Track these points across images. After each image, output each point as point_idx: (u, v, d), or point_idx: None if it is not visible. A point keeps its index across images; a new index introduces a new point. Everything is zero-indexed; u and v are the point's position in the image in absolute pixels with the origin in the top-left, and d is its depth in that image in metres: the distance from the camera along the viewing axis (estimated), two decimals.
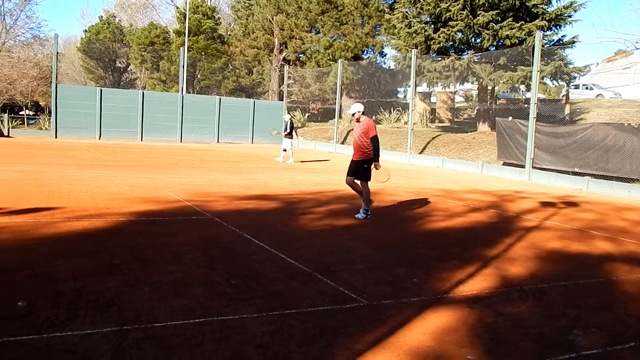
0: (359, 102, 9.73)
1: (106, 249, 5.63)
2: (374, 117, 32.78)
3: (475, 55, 22.54)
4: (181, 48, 32.08)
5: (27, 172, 11.54)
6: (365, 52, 37.07)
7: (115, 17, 51.37)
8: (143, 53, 42.42)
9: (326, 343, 3.53)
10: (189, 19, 36.69)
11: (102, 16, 50.29)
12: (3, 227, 6.32)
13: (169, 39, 43.48)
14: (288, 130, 18.25)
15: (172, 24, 50.61)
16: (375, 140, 8.26)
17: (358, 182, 8.43)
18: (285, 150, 18.43)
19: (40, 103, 45.21)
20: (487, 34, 21.77)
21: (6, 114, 30.94)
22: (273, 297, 4.42)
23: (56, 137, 25.72)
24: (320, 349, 3.43)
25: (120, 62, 48.22)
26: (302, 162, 18.96)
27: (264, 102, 34.53)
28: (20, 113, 42.70)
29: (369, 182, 8.42)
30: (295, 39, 36.82)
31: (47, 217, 6.99)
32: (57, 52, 27.61)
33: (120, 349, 3.27)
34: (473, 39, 23.36)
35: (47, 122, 32.42)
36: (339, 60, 29.22)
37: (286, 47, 37.86)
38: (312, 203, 9.65)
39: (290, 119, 18.74)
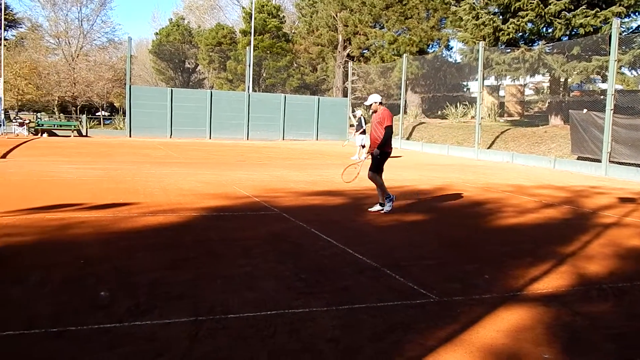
0: (376, 93, 9.51)
1: (180, 243, 5.83)
2: (439, 112, 32.27)
3: (547, 46, 21.72)
4: (247, 47, 32.69)
5: (105, 170, 12.11)
6: (431, 46, 36.48)
7: (184, 19, 53.00)
8: (211, 53, 43.53)
9: (397, 338, 3.51)
10: (255, 18, 37.31)
11: (171, 19, 52.03)
12: (84, 221, 6.66)
13: (235, 38, 44.42)
14: (363, 127, 18.22)
15: (238, 24, 51.65)
16: (388, 130, 7.92)
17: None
18: (364, 146, 18.41)
19: (115, 104, 47.28)
20: (560, 23, 20.91)
21: (84, 115, 32.55)
22: (342, 291, 4.44)
23: (130, 136, 26.84)
24: (391, 344, 3.42)
25: (189, 63, 49.70)
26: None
27: (328, 99, 34.68)
28: (97, 114, 44.82)
29: (377, 172, 8.17)
30: (359, 34, 36.73)
31: (124, 212, 7.31)
32: (131, 55, 28.76)
33: (196, 338, 3.38)
34: (544, 29, 22.50)
35: (122, 122, 33.84)
36: (404, 55, 28.91)
37: (350, 43, 37.84)
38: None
39: (361, 115, 18.68)
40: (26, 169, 11.76)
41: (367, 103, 8.33)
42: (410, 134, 28.64)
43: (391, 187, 10.99)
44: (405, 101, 28.56)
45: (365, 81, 35.52)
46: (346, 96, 33.86)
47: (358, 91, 34.85)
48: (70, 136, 27.40)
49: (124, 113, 31.89)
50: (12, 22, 42.09)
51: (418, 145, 25.77)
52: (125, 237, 6.02)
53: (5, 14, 32.54)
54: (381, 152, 8.04)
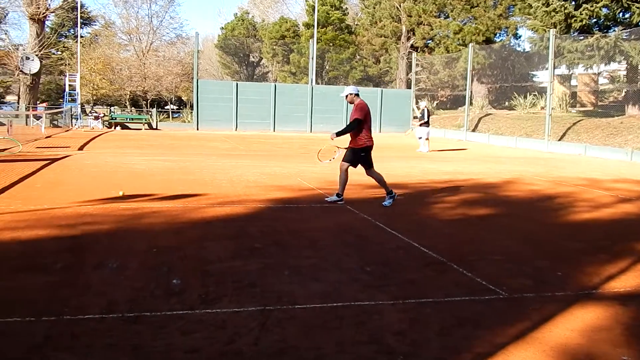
0: (351, 84, 9.15)
1: (247, 233, 5.96)
2: (507, 103, 31.30)
3: (624, 32, 20.62)
4: (310, 40, 32.83)
5: (174, 162, 12.52)
6: (498, 35, 35.45)
7: (248, 13, 53.77)
8: (274, 47, 44.00)
9: (465, 334, 3.45)
10: (318, 10, 37.38)
11: (236, 13, 52.88)
12: (156, 211, 6.91)
13: (298, 31, 44.69)
14: (425, 119, 17.99)
15: (301, 16, 51.95)
16: (353, 121, 7.63)
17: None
18: (426, 139, 18.19)
19: (182, 98, 48.70)
20: (638, 7, 19.79)
21: (154, 109, 33.70)
22: (408, 285, 4.41)
23: (197, 129, 27.58)
24: (459, 340, 3.37)
25: (253, 57, 50.43)
26: (435, 150, 18.59)
27: (392, 90, 34.39)
28: (166, 107, 46.32)
29: (372, 167, 7.98)
30: (423, 25, 36.13)
31: (193, 203, 7.53)
32: (198, 50, 29.49)
33: (265, 327, 3.45)
34: (621, 14, 21.38)
35: (189, 115, 34.83)
36: (470, 44, 28.22)
37: (414, 34, 37.29)
38: (444, 192, 9.45)
39: (425, 106, 18.41)
40: (101, 161, 12.32)
41: (342, 94, 8.11)
42: (476, 125, 27.96)
43: (457, 180, 10.78)
44: (471, 92, 27.89)
45: (429, 72, 34.95)
46: (410, 88, 33.43)
47: (422, 82, 34.34)
48: (141, 129, 28.46)
49: (192, 106, 32.78)
50: (87, 20, 44.03)
51: (484, 137, 25.14)
52: (195, 227, 6.21)
53: (80, 12, 34.07)
54: (363, 149, 7.76)
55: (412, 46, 37.59)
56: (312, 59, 30.78)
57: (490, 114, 29.72)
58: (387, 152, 17.79)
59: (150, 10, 46.32)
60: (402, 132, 29.64)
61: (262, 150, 17.38)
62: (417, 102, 27.93)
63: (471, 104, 28.79)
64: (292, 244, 5.57)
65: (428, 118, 18.11)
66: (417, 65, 32.73)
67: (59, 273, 4.36)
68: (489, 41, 33.62)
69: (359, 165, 7.91)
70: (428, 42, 37.43)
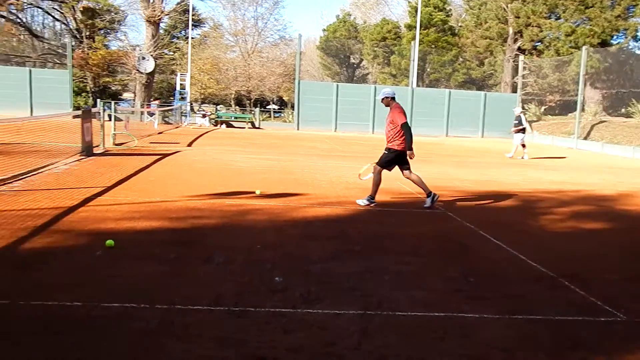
0: (387, 87, 8.69)
1: (347, 235, 5.97)
2: (623, 110, 29.23)
3: None
4: (412, 42, 32.44)
5: (276, 161, 12.83)
6: (615, 37, 33.16)
7: (350, 15, 54.04)
8: (375, 48, 43.91)
9: (580, 357, 3.24)
10: (420, 12, 36.86)
11: (338, 15, 53.34)
12: (259, 209, 7.11)
13: (399, 33, 44.30)
14: (523, 125, 17.25)
15: (403, 18, 51.45)
16: (405, 128, 7.48)
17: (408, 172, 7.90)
18: (522, 145, 17.45)
19: (284, 98, 49.85)
20: None
21: (257, 108, 34.77)
22: (515, 299, 4.21)
23: (298, 129, 28.12)
24: None
25: (354, 58, 50.64)
26: (534, 158, 17.73)
27: (496, 94, 33.21)
28: (268, 107, 47.63)
29: (384, 169, 7.78)
30: (532, 26, 34.54)
31: (294, 202, 7.67)
32: (300, 51, 30.06)
33: (366, 332, 3.43)
34: None
35: (290, 115, 35.57)
36: (583, 47, 26.65)
37: (521, 35, 35.75)
38: (552, 202, 8.97)
39: (520, 112, 17.63)
40: (208, 157, 12.87)
41: (378, 97, 7.97)
42: (589, 133, 26.34)
43: (566, 191, 10.20)
44: (583, 97, 26.31)
45: (537, 76, 33.38)
46: (515, 92, 32.12)
47: (529, 86, 32.88)
48: (244, 128, 29.46)
49: (293, 107, 33.47)
50: (197, 22, 46.22)
51: (597, 145, 23.62)
52: (296, 225, 6.32)
53: (192, 15, 35.84)
54: (390, 149, 7.67)
55: (519, 48, 36.06)
56: (414, 60, 30.41)
57: (604, 121, 27.88)
58: (488, 158, 17.19)
59: (256, 12, 47.78)
60: (506, 138, 28.52)
61: (361, 152, 17.40)
62: (523, 107, 26.81)
63: (583, 110, 27.17)
64: (392, 249, 5.51)
65: (525, 124, 17.33)
66: (524, 68, 31.39)
67: (170, 263, 4.59)
68: (604, 44, 31.53)
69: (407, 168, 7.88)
70: (537, 44, 35.74)
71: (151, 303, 3.67)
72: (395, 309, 3.83)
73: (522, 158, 17.22)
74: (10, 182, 7.97)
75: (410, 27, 40.42)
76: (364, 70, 52.63)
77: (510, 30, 36.20)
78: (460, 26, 44.17)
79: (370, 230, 6.30)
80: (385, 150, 7.71)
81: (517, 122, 17.38)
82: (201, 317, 3.51)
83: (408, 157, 7.68)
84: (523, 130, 17.32)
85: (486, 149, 21.44)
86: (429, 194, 7.82)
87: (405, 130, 7.50)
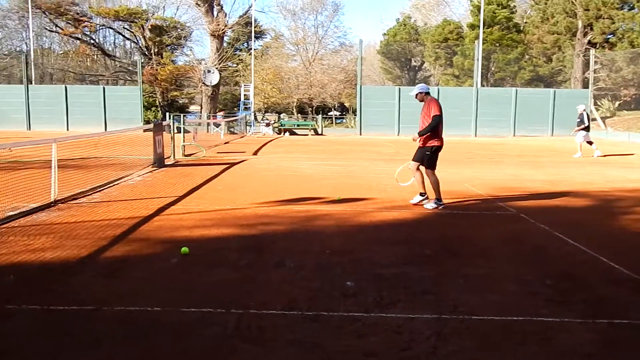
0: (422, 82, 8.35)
1: (416, 239, 5.90)
2: None
3: None
4: (475, 41, 31.79)
5: (341, 166, 12.87)
6: None
7: (410, 18, 53.60)
8: (437, 50, 43.31)
9: None
10: (483, 10, 36.08)
11: (398, 18, 53.02)
12: (327, 214, 7.14)
13: (462, 33, 43.52)
14: (585, 124, 16.47)
15: (465, 18, 50.49)
16: (435, 119, 7.35)
17: (423, 170, 7.75)
18: (589, 142, 16.66)
19: (345, 104, 50.01)
20: None
21: (319, 115, 35.04)
22: (597, 303, 4.03)
23: (360, 134, 28.10)
24: None
25: (415, 61, 50.16)
26: (602, 155, 16.86)
27: (565, 91, 32.01)
28: (329, 114, 47.91)
29: (434, 170, 7.66)
30: (603, 18, 33.08)
31: (361, 207, 7.66)
32: (361, 56, 30.07)
33: (442, 336, 3.37)
34: None
35: (352, 121, 35.64)
36: None
37: (591, 29, 34.30)
38: (631, 201, 8.53)
39: (583, 110, 16.82)
40: (274, 165, 13.07)
41: (411, 93, 7.86)
42: None
43: None
44: None
45: (610, 70, 31.92)
46: (587, 87, 30.81)
47: (601, 81, 31.48)
48: (307, 135, 29.75)
49: (354, 112, 33.50)
50: (259, 34, 47.20)
51: None
52: (365, 230, 6.30)
53: (254, 27, 36.61)
54: (431, 148, 7.53)
55: (589, 42, 34.60)
56: (478, 60, 29.77)
57: None
58: (559, 157, 16.56)
59: (316, 20, 48.33)
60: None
61: None
62: (595, 103, 25.69)
63: None
64: (464, 252, 5.40)
65: (588, 122, 16.51)
66: (595, 62, 30.09)
67: (243, 269, 4.68)
68: None
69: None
70: (608, 37, 34.19)
71: (226, 308, 3.75)
72: (471, 313, 3.75)
73: (593, 157, 16.45)
74: (90, 194, 8.38)
75: (473, 27, 39.63)
76: (426, 72, 52.00)
77: (580, 24, 34.80)
78: (526, 22, 42.90)
79: (440, 233, 6.19)
80: (426, 151, 7.58)
81: (579, 120, 16.65)
82: (275, 321, 3.56)
83: (412, 139, 7.71)
84: (586, 129, 16.53)
85: (556, 148, 20.66)
86: (423, 194, 7.81)
87: (433, 121, 7.38)
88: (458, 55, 40.57)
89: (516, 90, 29.50)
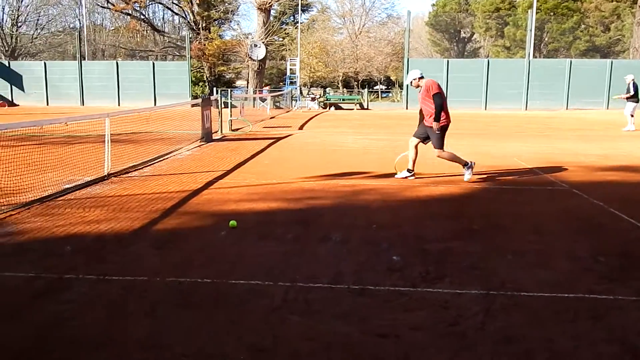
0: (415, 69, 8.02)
1: (464, 214, 5.82)
2: None
3: None
4: (529, 10, 30.65)
5: (386, 140, 12.77)
6: None
7: None
8: (488, 20, 42.07)
9: None
10: None
11: None
12: (373, 189, 7.12)
13: (514, 3, 42.04)
14: (632, 93, 15.73)
15: None
16: (437, 99, 7.24)
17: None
18: (631, 115, 15.95)
19: (391, 77, 49.36)
20: None
21: (365, 89, 34.73)
22: None
23: (407, 108, 27.75)
24: None
25: (464, 32, 48.92)
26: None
27: (624, 61, 30.63)
28: (375, 88, 47.39)
29: (443, 148, 7.55)
30: None
31: (407, 182, 7.60)
32: (409, 29, 29.50)
33: (490, 312, 3.33)
34: None
35: (399, 95, 35.19)
36: None
37: None
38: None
39: (632, 79, 16.04)
40: (319, 139, 13.08)
41: (406, 82, 7.78)
42: None
43: None
44: None
45: None
46: None
47: None
48: (353, 109, 29.58)
49: (401, 86, 33.02)
50: (305, 7, 46.89)
51: None
52: (411, 205, 6.26)
53: (301, 0, 36.36)
54: (440, 127, 7.38)
55: None
56: (531, 30, 28.75)
57: None
58: (615, 131, 15.93)
59: None
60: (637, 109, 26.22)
61: (474, 129, 16.83)
62: None
63: None
64: (514, 228, 5.29)
65: (636, 92, 15.71)
66: None
67: (290, 243, 4.73)
68: None
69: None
70: None
71: (274, 280, 3.81)
72: (520, 289, 3.69)
73: (624, 129, 15.72)
74: (141, 168, 8.61)
75: None
76: (476, 44, 50.70)
77: None
78: None
79: (489, 208, 6.09)
80: (436, 131, 7.43)
81: (627, 89, 15.95)
82: (322, 294, 3.60)
83: (432, 128, 7.43)
84: (635, 99, 15.78)
85: (612, 122, 19.86)
86: (410, 170, 7.81)
87: (436, 101, 7.26)
88: (510, 26, 39.32)
89: (570, 62, 28.44)
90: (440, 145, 7.54)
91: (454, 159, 7.60)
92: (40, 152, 8.10)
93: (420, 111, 7.74)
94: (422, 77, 7.59)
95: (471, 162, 7.62)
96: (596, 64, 29.33)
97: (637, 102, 15.94)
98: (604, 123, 19.31)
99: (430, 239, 4.86)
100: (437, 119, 7.31)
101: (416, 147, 7.76)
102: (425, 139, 7.71)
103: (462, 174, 7.66)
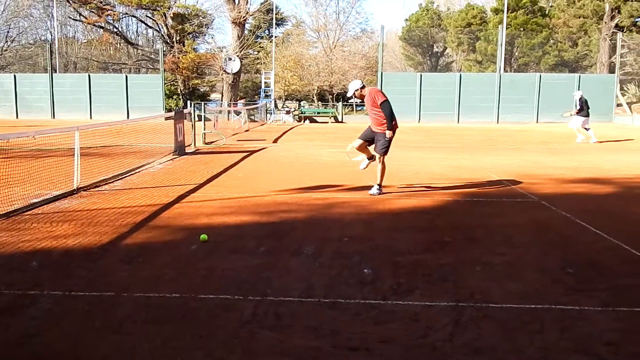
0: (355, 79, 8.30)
1: (436, 226, 5.87)
2: None
3: None
4: (499, 26, 31.30)
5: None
6: None
7: (433, 2, 52.89)
8: (460, 35, 42.74)
9: None
10: None
11: (421, 4, 52.36)
12: (346, 202, 7.14)
13: (485, 18, 42.85)
14: (578, 108, 16.27)
15: (489, 2, 49.68)
16: (386, 105, 7.25)
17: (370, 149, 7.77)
18: (586, 128, 16.49)
19: None
20: None
21: (340, 103, 34.90)
22: (619, 291, 3.96)
23: None
24: None
25: (437, 47, 49.59)
26: (601, 142, 16.49)
27: (591, 76, 31.43)
28: (350, 101, 47.63)
29: (385, 156, 7.53)
30: (632, 1, 32.27)
31: (380, 195, 7.62)
32: (382, 43, 29.83)
33: (459, 323, 3.35)
34: None
35: None
36: None
37: (619, 12, 33.53)
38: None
39: (581, 95, 16.61)
40: (294, 152, 13.09)
41: (348, 94, 7.66)
42: None
43: None
44: None
45: (637, 54, 31.21)
46: (613, 72, 30.17)
47: (628, 66, 30.80)
48: (328, 122, 29.68)
49: None
50: (280, 21, 47.10)
51: None
52: (383, 218, 6.28)
53: (275, 14, 36.50)
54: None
55: (616, 26, 33.84)
56: (501, 45, 29.33)
57: None
58: (584, 144, 16.27)
59: (337, 7, 48.10)
60: (604, 122, 26.89)
61: (446, 142, 17.03)
62: (621, 88, 25.08)
63: None
64: (484, 239, 5.35)
65: (582, 107, 16.25)
66: (622, 46, 29.43)
67: (261, 256, 4.70)
68: None
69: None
70: (637, 20, 33.38)
71: (245, 294, 3.78)
72: (489, 301, 3.72)
73: (578, 139, 16.33)
74: (112, 182, 8.49)
75: (497, 11, 39.01)
76: (448, 58, 51.42)
77: (607, 7, 34.04)
78: (551, 6, 42.07)
79: (460, 220, 6.14)
80: (381, 136, 7.45)
81: (575, 104, 16.61)
82: (293, 308, 3.57)
83: (388, 137, 7.40)
84: (583, 114, 16.34)
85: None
86: (371, 157, 7.75)
87: (386, 108, 7.26)
88: (481, 41, 40.01)
89: (540, 76, 29.04)
90: (385, 152, 7.51)
91: (383, 174, 7.58)
92: (7, 166, 7.93)
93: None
94: (363, 87, 7.52)
95: (382, 192, 7.57)
96: (565, 78, 30.02)
97: (587, 115, 16.44)
98: (573, 136, 19.70)
99: (402, 252, 4.88)
100: (390, 126, 7.33)
101: (362, 145, 7.74)
102: (370, 143, 7.70)
103: (435, 188, 7.73)
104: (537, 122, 28.06)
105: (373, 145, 7.66)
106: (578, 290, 3.96)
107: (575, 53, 38.27)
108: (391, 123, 7.32)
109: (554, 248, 5.09)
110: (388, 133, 7.35)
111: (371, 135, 7.61)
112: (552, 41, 38.96)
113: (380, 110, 7.29)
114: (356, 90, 7.48)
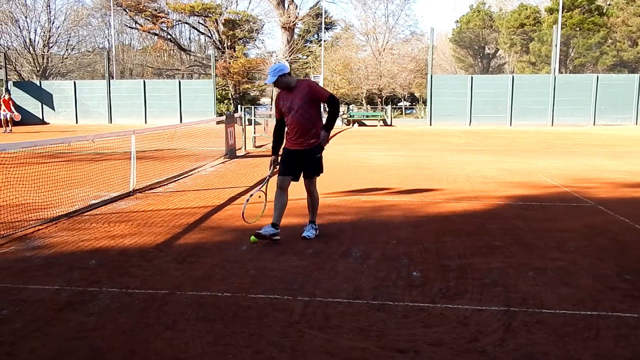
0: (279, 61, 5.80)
1: (486, 230, 5.77)
2: None
3: None
4: (554, 26, 30.45)
5: (409, 157, 12.74)
6: None
7: (484, 4, 51.96)
8: (512, 36, 41.83)
9: None
10: None
11: (472, 5, 51.53)
12: (394, 204, 7.11)
13: (539, 18, 41.77)
14: None
15: (543, 2, 48.43)
16: (336, 103, 5.21)
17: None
18: None
19: (415, 94, 49.26)
20: None
21: (389, 106, 34.74)
22: None
23: (430, 124, 27.67)
24: None
25: (489, 48, 48.67)
26: None
27: None
28: (399, 104, 47.35)
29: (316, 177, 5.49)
30: None
31: (429, 198, 7.57)
32: (432, 45, 29.52)
33: (510, 328, 3.30)
34: None
35: (422, 111, 35.11)
36: None
37: None
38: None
39: None
40: (342, 155, 13.12)
41: (268, 81, 5.13)
42: None
43: None
44: None
45: None
46: None
47: None
48: (376, 126, 29.59)
49: (424, 102, 32.99)
50: (329, 25, 47.27)
51: None
52: (432, 221, 6.23)
53: (324, 18, 36.70)
54: (316, 149, 5.33)
55: None
56: (556, 46, 28.52)
57: None
58: None
59: (386, 9, 47.86)
60: None
61: (498, 145, 16.70)
62: None
63: None
64: (536, 244, 5.23)
65: None
66: None
67: (310, 258, 4.75)
68: None
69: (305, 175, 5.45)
70: None
71: (294, 295, 3.83)
72: (542, 306, 3.64)
73: None
74: (166, 184, 8.74)
75: (552, 11, 37.96)
76: (500, 60, 50.37)
77: None
78: (609, 5, 40.61)
79: (512, 225, 6.02)
80: (316, 153, 5.37)
81: None
82: (341, 309, 3.60)
83: (323, 147, 5.41)
84: None
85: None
86: (276, 225, 5.25)
87: (334, 106, 5.22)
88: (535, 42, 39.03)
89: (597, 77, 28.07)
90: (320, 171, 5.49)
91: (317, 206, 5.61)
92: (68, 169, 8.29)
93: (286, 132, 5.48)
94: (289, 74, 5.28)
95: (314, 227, 5.51)
96: (624, 78, 28.91)
97: None
98: (632, 139, 18.97)
99: (452, 255, 4.83)
100: (331, 128, 5.34)
101: (286, 189, 5.52)
102: (297, 174, 5.49)
103: (486, 191, 7.59)
104: (593, 124, 27.14)
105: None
106: (636, 298, 3.82)
107: (635, 53, 36.80)
108: (331, 123, 5.27)
109: (610, 254, 4.93)
110: (326, 140, 5.37)
111: (293, 161, 5.41)
112: (610, 41, 37.60)
113: (319, 109, 5.34)
114: (282, 76, 5.15)
